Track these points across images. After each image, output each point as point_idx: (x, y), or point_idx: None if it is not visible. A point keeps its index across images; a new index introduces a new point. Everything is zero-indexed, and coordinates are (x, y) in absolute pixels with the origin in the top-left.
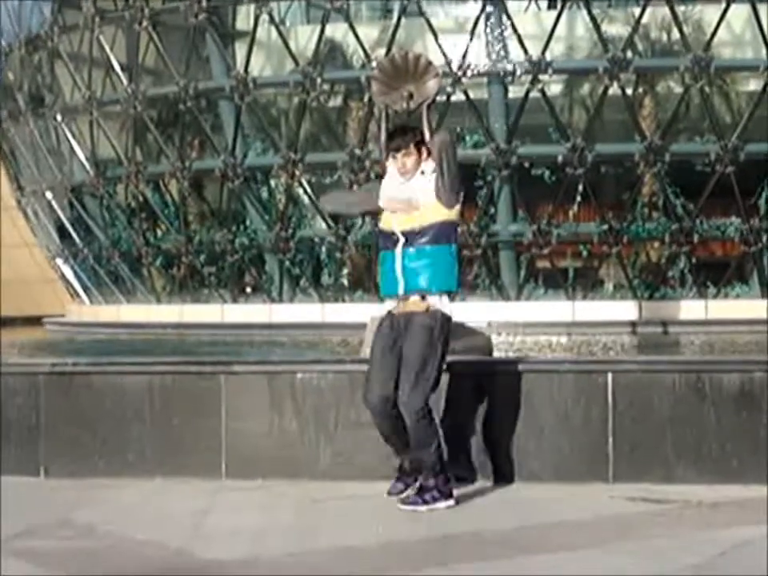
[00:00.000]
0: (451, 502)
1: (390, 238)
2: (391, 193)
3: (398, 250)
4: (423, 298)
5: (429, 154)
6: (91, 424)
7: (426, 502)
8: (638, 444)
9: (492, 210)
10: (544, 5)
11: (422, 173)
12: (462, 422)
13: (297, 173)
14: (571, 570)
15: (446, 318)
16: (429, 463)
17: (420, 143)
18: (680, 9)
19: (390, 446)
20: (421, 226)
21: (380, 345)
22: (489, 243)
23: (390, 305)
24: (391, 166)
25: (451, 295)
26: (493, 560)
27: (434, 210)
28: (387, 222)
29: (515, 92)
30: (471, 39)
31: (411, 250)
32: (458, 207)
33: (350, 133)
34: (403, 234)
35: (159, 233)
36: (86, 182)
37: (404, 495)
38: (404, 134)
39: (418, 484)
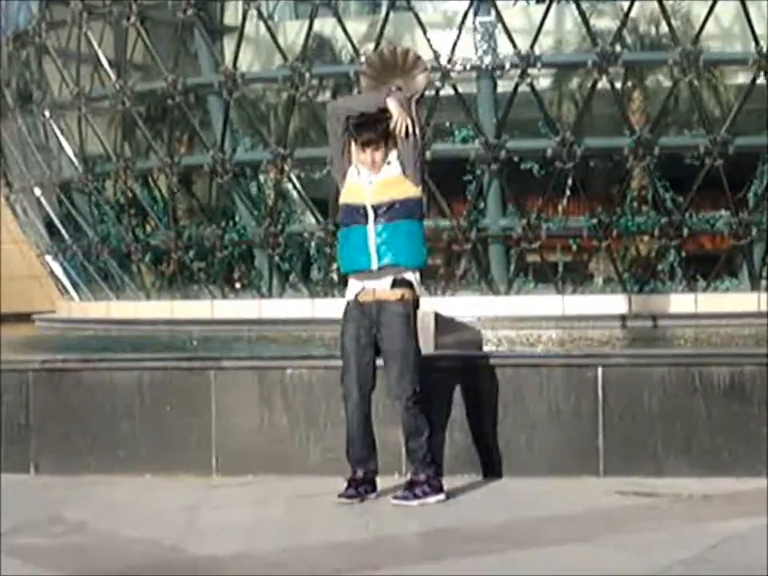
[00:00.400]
0: (442, 496)
1: (357, 213)
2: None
3: (371, 224)
4: (395, 283)
5: (395, 143)
6: (81, 421)
7: (416, 497)
8: (629, 437)
9: (481, 205)
10: None
11: (389, 163)
12: (450, 416)
13: (286, 168)
14: (562, 564)
15: (417, 303)
16: (420, 454)
17: (388, 133)
18: (668, 2)
19: (353, 452)
20: (391, 200)
21: (353, 337)
22: (478, 237)
23: (355, 286)
24: (356, 158)
25: (421, 271)
26: (484, 555)
27: (404, 186)
28: (353, 196)
29: (504, 86)
30: (460, 33)
31: (384, 224)
32: (420, 188)
33: None
34: (374, 207)
35: (148, 229)
36: (74, 178)
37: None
38: (373, 126)
39: (408, 478)
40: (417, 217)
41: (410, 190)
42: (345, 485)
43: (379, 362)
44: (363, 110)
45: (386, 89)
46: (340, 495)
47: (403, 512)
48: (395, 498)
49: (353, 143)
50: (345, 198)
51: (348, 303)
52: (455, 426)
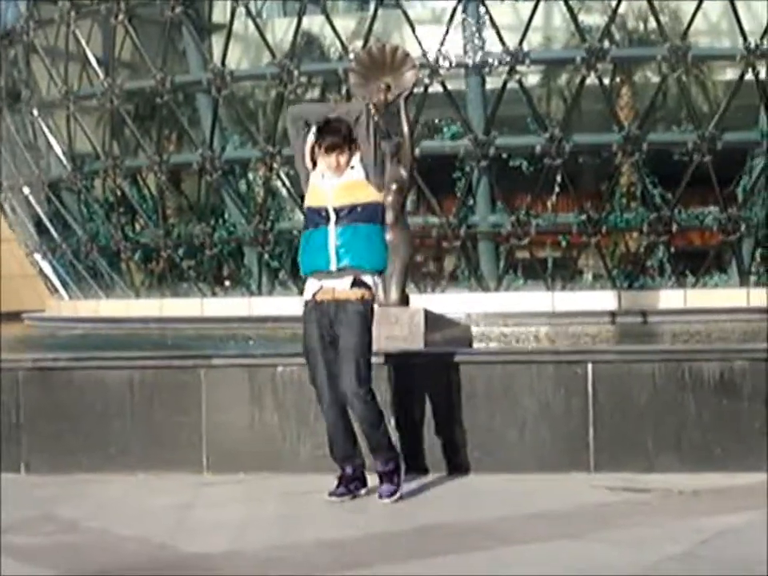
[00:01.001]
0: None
1: (319, 215)
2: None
3: (332, 226)
4: (354, 283)
5: (357, 147)
6: (72, 419)
7: (395, 488)
8: (619, 433)
9: (471, 201)
10: None
11: (352, 167)
12: (441, 413)
13: (275, 165)
14: (552, 561)
15: (372, 304)
16: (383, 444)
17: (352, 138)
18: None
19: (336, 450)
20: (352, 204)
21: (317, 338)
22: (468, 234)
23: (313, 285)
24: (321, 162)
25: (380, 275)
26: (473, 551)
27: (367, 190)
28: (317, 199)
29: (493, 83)
30: (448, 30)
31: (345, 226)
32: (382, 194)
33: None
34: (336, 210)
35: (137, 227)
36: (63, 176)
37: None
38: (336, 131)
39: (380, 470)
40: (378, 221)
41: (371, 194)
42: (335, 483)
43: None
44: (316, 119)
45: (336, 105)
46: (330, 494)
47: (392, 508)
48: (380, 496)
49: (317, 147)
50: (308, 201)
51: (306, 304)
52: (440, 422)
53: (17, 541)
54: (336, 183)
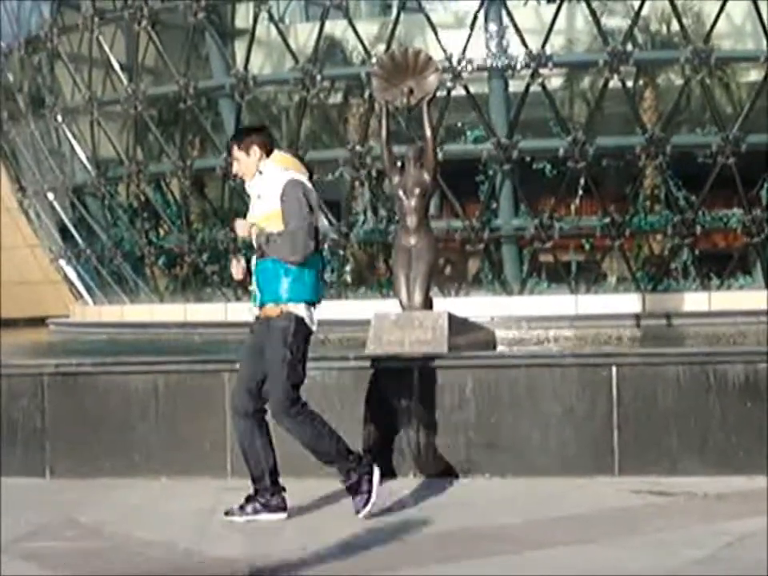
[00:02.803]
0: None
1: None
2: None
3: (254, 259)
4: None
5: (268, 153)
6: (96, 424)
7: (366, 497)
8: (643, 436)
9: (494, 205)
10: None
11: (260, 173)
12: (464, 417)
13: None
14: (577, 565)
15: (299, 319)
16: (333, 458)
17: (247, 144)
18: (680, 1)
19: (247, 467)
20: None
21: (245, 351)
22: (491, 238)
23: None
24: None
25: (307, 303)
26: (501, 555)
27: (276, 222)
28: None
29: (515, 86)
30: (471, 34)
31: (260, 259)
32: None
33: (350, 129)
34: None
35: (161, 232)
36: (87, 182)
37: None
38: (237, 135)
39: (346, 486)
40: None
41: (279, 226)
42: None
43: None
44: None
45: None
46: (227, 513)
47: (416, 513)
48: (356, 512)
49: None
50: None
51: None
52: (464, 426)
53: (41, 545)
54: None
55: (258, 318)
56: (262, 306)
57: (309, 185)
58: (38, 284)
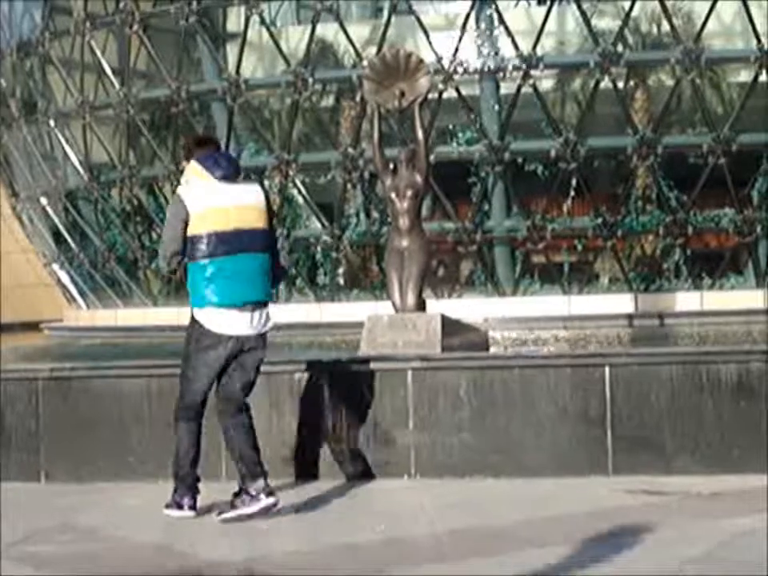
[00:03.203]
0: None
1: None
2: None
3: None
4: None
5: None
6: (91, 428)
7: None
8: (637, 436)
9: (486, 206)
10: (534, 0)
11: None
12: (457, 417)
13: (290, 173)
14: (572, 563)
15: (199, 325)
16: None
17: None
18: (670, 1)
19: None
20: None
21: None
22: (483, 239)
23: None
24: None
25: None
26: (499, 554)
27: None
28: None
29: (507, 88)
30: (462, 36)
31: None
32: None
33: (342, 132)
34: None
35: (154, 236)
36: (80, 186)
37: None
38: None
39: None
40: (198, 257)
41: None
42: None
43: None
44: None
45: None
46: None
47: (411, 513)
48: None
49: None
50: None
51: None
52: (453, 428)
53: (37, 549)
54: None
55: None
56: None
57: (193, 192)
58: (33, 288)
